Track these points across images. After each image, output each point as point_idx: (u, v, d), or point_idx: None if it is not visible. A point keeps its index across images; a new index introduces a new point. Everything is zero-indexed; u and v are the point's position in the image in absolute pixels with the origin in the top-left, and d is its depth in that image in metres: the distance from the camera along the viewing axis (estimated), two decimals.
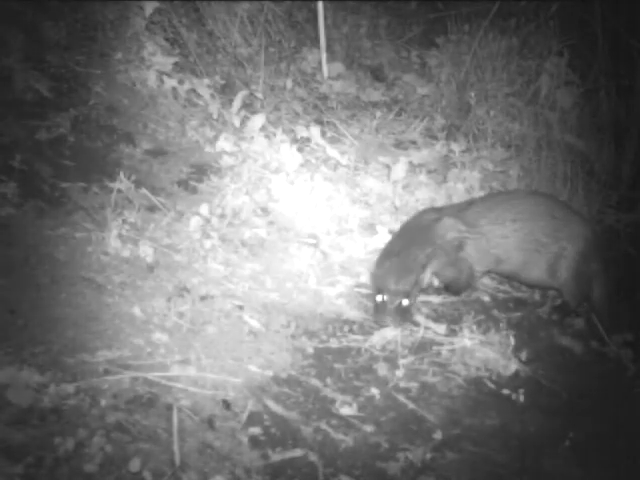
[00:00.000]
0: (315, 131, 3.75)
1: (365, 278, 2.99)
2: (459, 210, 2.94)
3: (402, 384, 2.48)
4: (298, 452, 2.10)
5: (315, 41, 4.40)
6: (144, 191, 3.09)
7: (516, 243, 2.89)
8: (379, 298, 2.70)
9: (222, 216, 3.09)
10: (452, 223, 2.88)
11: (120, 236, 2.78)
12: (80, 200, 2.95)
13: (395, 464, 2.12)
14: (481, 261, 2.93)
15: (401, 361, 2.59)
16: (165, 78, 3.70)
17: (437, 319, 2.87)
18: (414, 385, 2.49)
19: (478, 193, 3.52)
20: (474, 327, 2.81)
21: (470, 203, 3.00)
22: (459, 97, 4.32)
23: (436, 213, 2.93)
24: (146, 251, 2.77)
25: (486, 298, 3.09)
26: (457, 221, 2.88)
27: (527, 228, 2.90)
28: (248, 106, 3.86)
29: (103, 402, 2.05)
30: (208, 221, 3.03)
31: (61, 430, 1.92)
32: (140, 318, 2.47)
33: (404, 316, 2.71)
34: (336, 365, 2.54)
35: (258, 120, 3.64)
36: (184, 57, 3.95)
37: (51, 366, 2.12)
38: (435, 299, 2.98)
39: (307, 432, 2.19)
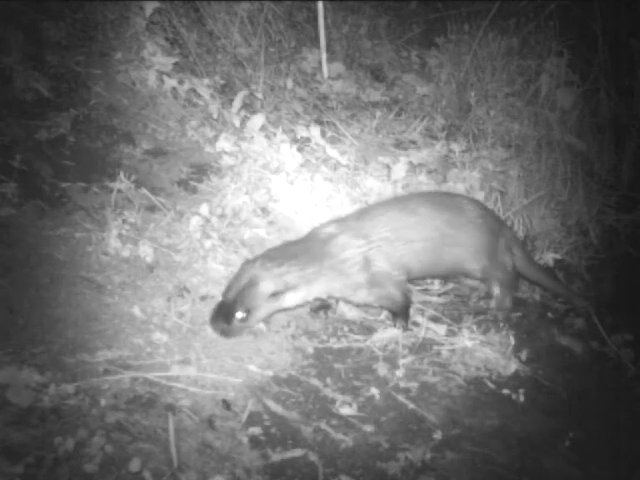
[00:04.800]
0: (315, 131, 3.75)
1: None
2: (354, 221, 2.71)
3: (402, 384, 2.48)
4: (298, 452, 2.10)
5: (315, 41, 4.40)
6: (144, 191, 3.09)
7: (425, 244, 2.73)
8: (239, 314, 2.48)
9: (222, 216, 3.09)
10: (347, 241, 2.64)
11: (120, 236, 2.78)
12: (80, 200, 2.95)
13: (395, 464, 2.12)
14: (396, 266, 2.70)
15: (401, 361, 2.59)
16: (165, 78, 3.70)
17: (437, 319, 2.86)
18: (414, 385, 2.49)
19: (478, 193, 3.51)
20: (474, 327, 2.82)
21: (363, 212, 2.79)
22: (459, 97, 4.32)
23: (333, 228, 2.68)
24: (146, 251, 2.77)
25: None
26: (353, 236, 2.65)
27: (430, 226, 2.75)
28: (248, 106, 3.85)
29: (103, 402, 2.05)
30: (208, 221, 3.03)
31: (61, 430, 1.92)
32: (140, 318, 2.48)
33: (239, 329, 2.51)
34: (336, 365, 2.54)
35: (258, 120, 3.63)
36: (184, 57, 3.94)
37: (51, 366, 2.12)
38: (435, 299, 2.98)
39: (307, 432, 2.19)
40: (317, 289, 2.60)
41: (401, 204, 2.80)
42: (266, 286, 2.49)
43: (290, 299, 2.56)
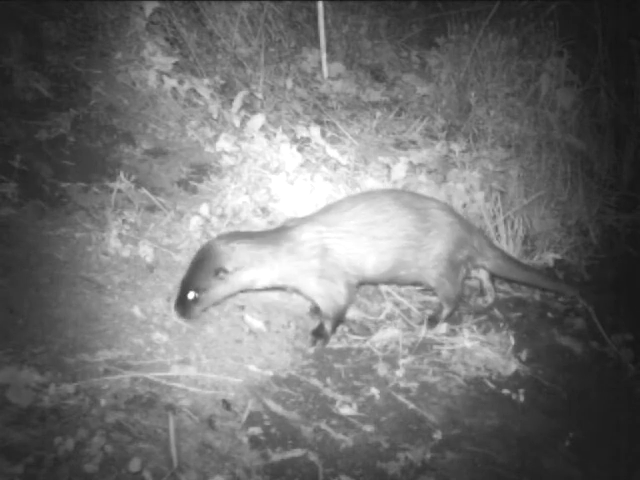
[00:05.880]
0: (315, 131, 3.75)
1: None
2: (320, 214, 2.68)
3: (402, 384, 2.48)
4: (298, 452, 2.11)
5: (315, 41, 4.40)
6: (144, 191, 3.09)
7: (389, 243, 2.65)
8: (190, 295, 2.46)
9: (222, 216, 3.09)
10: (308, 227, 2.59)
11: (120, 236, 2.78)
12: (80, 200, 2.95)
13: (395, 464, 2.12)
14: (354, 265, 2.63)
15: (401, 361, 2.59)
16: (165, 78, 3.70)
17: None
18: (414, 385, 2.49)
19: (478, 193, 3.51)
20: (474, 327, 2.82)
21: (330, 206, 2.74)
22: (459, 97, 4.32)
23: (298, 219, 2.67)
24: (146, 251, 2.77)
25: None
26: (315, 223, 2.60)
27: (396, 225, 2.65)
28: (248, 106, 3.86)
29: (103, 402, 2.05)
30: (208, 221, 3.03)
31: (61, 430, 1.92)
32: (140, 318, 2.48)
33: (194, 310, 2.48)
34: (336, 365, 2.54)
35: (258, 120, 3.64)
36: (184, 57, 3.94)
37: (51, 366, 2.12)
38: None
39: (307, 432, 2.19)
40: (272, 273, 2.53)
41: (369, 200, 2.69)
42: (213, 263, 2.45)
43: (241, 278, 2.49)
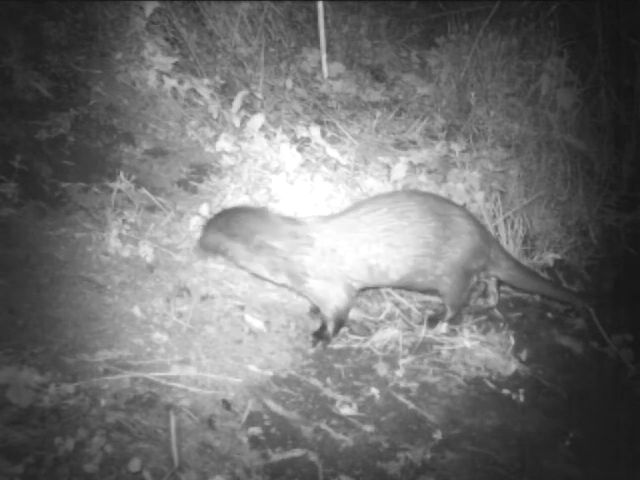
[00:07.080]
0: (315, 131, 3.75)
1: None
2: (338, 217, 2.66)
3: (402, 384, 2.48)
4: (298, 452, 2.11)
5: (315, 41, 4.40)
6: (144, 191, 3.09)
7: (407, 250, 2.61)
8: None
9: None
10: (320, 227, 2.59)
11: (120, 236, 2.78)
12: (80, 200, 2.95)
13: (395, 464, 2.12)
14: (359, 271, 2.61)
15: (401, 361, 2.59)
16: (165, 78, 3.70)
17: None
18: (414, 385, 2.49)
19: (478, 193, 3.51)
20: (474, 327, 2.82)
21: (350, 208, 2.70)
22: (459, 97, 4.32)
23: (316, 217, 2.68)
24: (146, 251, 2.77)
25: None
26: (324, 225, 2.60)
27: (417, 232, 2.61)
28: (248, 106, 3.86)
29: (103, 402, 2.05)
30: None
31: (61, 430, 1.92)
32: (140, 318, 2.48)
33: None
34: (336, 365, 2.54)
35: (258, 120, 3.64)
36: (184, 57, 3.95)
37: (51, 366, 2.12)
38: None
39: (307, 432, 2.19)
40: (266, 262, 2.56)
41: (391, 204, 2.65)
42: (208, 227, 2.59)
43: (233, 251, 2.56)
